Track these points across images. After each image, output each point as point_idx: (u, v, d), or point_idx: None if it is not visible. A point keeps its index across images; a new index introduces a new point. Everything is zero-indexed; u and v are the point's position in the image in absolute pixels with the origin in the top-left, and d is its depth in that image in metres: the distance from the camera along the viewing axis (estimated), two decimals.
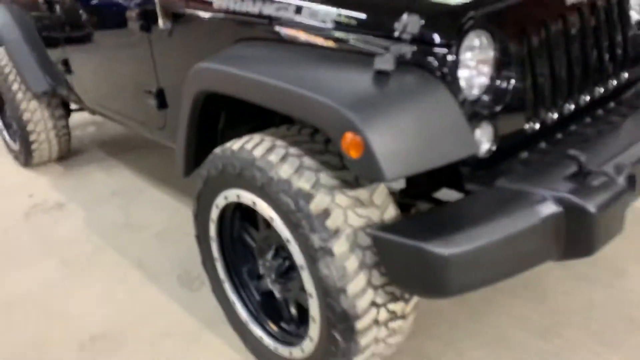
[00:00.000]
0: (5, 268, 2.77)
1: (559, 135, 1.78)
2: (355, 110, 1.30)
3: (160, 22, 2.15)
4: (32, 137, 3.70)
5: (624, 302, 2.13)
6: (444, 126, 1.36)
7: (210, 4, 1.94)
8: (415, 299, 1.60)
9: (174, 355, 2.07)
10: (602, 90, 1.89)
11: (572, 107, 1.77)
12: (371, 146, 1.27)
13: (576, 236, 1.41)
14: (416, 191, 1.84)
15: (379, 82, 1.36)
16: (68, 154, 4.01)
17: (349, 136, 1.30)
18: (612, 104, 2.00)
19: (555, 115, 1.72)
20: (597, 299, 2.16)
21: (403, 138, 1.31)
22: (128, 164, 3.82)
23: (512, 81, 1.55)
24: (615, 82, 1.94)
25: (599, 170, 1.48)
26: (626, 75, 1.99)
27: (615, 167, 1.52)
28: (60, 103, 3.74)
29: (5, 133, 4.10)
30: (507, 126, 1.58)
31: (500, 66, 1.54)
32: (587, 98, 1.83)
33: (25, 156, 3.87)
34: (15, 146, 3.98)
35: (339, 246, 1.43)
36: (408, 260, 1.34)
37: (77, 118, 4.24)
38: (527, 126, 1.65)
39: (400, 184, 1.87)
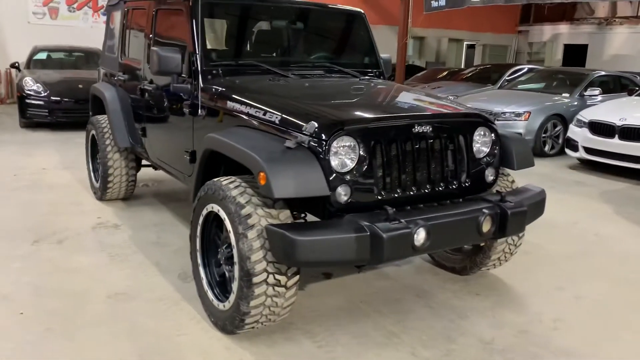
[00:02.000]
0: (73, 254, 4.13)
1: (408, 207, 3.00)
2: (266, 162, 2.62)
3: (200, 111, 3.63)
4: (110, 179, 5.22)
5: (450, 330, 3.18)
6: (310, 178, 2.64)
7: (226, 105, 3.39)
8: (294, 279, 2.80)
9: (164, 309, 3.31)
10: (442, 188, 3.10)
11: (414, 193, 3.00)
12: (270, 180, 2.57)
13: (376, 250, 2.61)
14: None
15: (284, 152, 2.69)
16: (130, 196, 5.50)
17: (261, 174, 2.61)
18: (460, 200, 3.21)
19: (400, 195, 2.95)
20: (436, 325, 3.23)
21: (287, 179, 2.59)
22: (169, 209, 5.28)
23: (367, 169, 2.83)
24: (455, 186, 3.15)
25: (400, 220, 2.69)
26: (467, 183, 3.21)
27: (414, 222, 2.72)
28: (134, 159, 5.28)
29: (92, 174, 5.68)
30: (363, 193, 2.84)
31: (361, 159, 2.82)
32: (427, 190, 3.05)
33: (101, 192, 5.38)
34: (97, 184, 5.52)
35: (252, 234, 2.69)
36: (278, 240, 2.58)
37: (143, 174, 5.77)
38: (377, 197, 2.89)
39: None
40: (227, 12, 4.14)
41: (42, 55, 11.05)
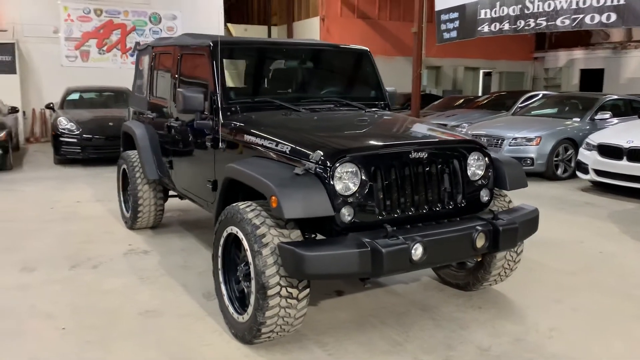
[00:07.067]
0: (107, 277, 4.53)
1: (407, 226, 3.32)
2: (277, 187, 2.98)
3: (220, 144, 4.02)
4: (140, 209, 5.64)
5: (451, 338, 3.45)
6: (316, 201, 2.99)
7: (243, 138, 3.78)
8: (305, 292, 3.12)
9: (189, 323, 3.65)
10: (439, 208, 3.41)
11: (413, 213, 3.31)
12: (280, 203, 2.92)
13: (376, 263, 2.93)
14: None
15: (293, 178, 3.05)
16: (159, 224, 5.91)
17: (273, 197, 2.97)
18: (457, 219, 3.51)
19: (399, 215, 3.27)
20: (437, 335, 3.50)
21: (295, 202, 2.94)
22: (194, 236, 5.67)
23: (369, 192, 3.16)
24: (451, 206, 3.46)
25: (398, 237, 3.01)
26: (463, 203, 3.51)
27: (411, 239, 3.04)
28: (162, 190, 5.70)
29: (122, 205, 6.12)
30: (365, 213, 3.17)
31: (363, 183, 3.16)
32: (425, 210, 3.36)
33: (132, 222, 5.80)
34: (127, 214, 5.95)
35: (266, 251, 3.03)
36: (289, 256, 2.91)
37: (170, 204, 6.18)
38: (379, 217, 3.21)
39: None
40: (243, 54, 4.59)
41: (75, 96, 11.74)
